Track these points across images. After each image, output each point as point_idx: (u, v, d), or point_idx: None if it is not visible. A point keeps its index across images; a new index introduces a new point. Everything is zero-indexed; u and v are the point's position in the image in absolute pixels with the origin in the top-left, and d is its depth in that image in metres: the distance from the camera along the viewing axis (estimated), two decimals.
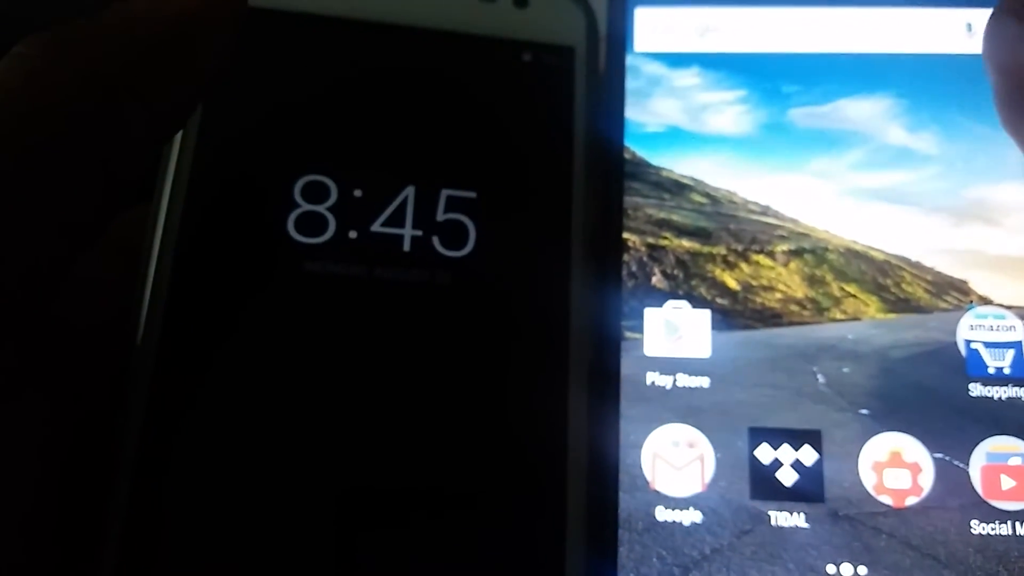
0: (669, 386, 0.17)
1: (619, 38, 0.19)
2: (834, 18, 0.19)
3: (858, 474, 0.16)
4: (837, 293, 0.18)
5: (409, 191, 0.16)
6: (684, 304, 0.17)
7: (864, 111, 0.19)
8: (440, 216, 0.16)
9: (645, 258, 0.18)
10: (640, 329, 0.17)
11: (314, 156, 0.16)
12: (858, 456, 0.16)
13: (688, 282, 0.18)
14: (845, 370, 0.17)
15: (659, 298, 0.17)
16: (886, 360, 0.17)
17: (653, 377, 0.17)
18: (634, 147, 0.19)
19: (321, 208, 0.16)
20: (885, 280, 0.18)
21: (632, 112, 0.18)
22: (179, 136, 0.16)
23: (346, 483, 0.14)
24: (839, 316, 0.18)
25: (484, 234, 0.16)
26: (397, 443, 0.15)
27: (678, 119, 0.19)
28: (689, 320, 0.17)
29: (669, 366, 0.17)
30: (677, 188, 0.19)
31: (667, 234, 0.18)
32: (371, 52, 0.17)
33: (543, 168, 0.17)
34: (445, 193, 0.16)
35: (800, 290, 0.18)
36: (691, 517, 0.15)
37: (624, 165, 0.18)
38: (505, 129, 0.17)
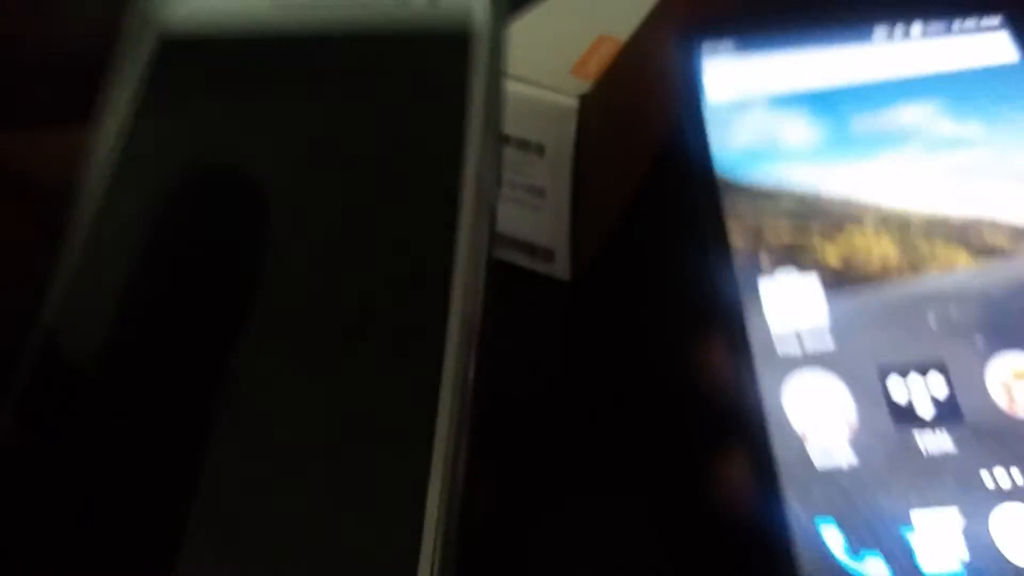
0: (798, 352, 0.18)
1: (695, 87, 0.23)
2: (870, 52, 0.24)
3: (988, 395, 0.17)
4: (926, 251, 0.20)
5: None
6: (795, 277, 0.20)
7: (915, 114, 0.22)
8: None
9: (753, 251, 0.20)
10: (761, 310, 0.19)
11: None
12: (984, 379, 0.17)
13: (795, 260, 0.20)
14: (952, 310, 0.19)
15: (770, 275, 0.20)
16: (986, 296, 0.19)
17: (783, 346, 0.19)
18: (724, 174, 0.22)
19: None
20: (967, 235, 0.20)
21: (717, 144, 0.22)
22: None
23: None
24: (934, 269, 0.20)
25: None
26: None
27: (758, 145, 0.22)
28: (802, 291, 0.19)
29: (795, 336, 0.19)
30: (767, 197, 0.21)
31: (767, 229, 0.21)
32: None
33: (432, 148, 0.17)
34: None
35: (893, 253, 0.20)
36: (846, 458, 0.17)
37: (719, 190, 0.21)
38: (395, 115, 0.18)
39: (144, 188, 0.17)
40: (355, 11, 0.19)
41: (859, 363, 0.18)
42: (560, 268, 0.32)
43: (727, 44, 0.24)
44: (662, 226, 0.32)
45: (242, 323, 0.16)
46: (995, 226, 0.20)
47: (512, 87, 0.29)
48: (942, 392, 0.17)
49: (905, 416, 0.17)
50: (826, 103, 0.23)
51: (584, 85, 0.29)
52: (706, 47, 0.24)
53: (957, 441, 0.17)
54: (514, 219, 0.32)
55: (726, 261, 0.20)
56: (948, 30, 0.24)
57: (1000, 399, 0.17)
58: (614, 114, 0.31)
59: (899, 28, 0.24)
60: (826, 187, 0.21)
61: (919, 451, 0.17)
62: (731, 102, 0.23)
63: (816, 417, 0.18)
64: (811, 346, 0.18)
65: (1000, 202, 0.20)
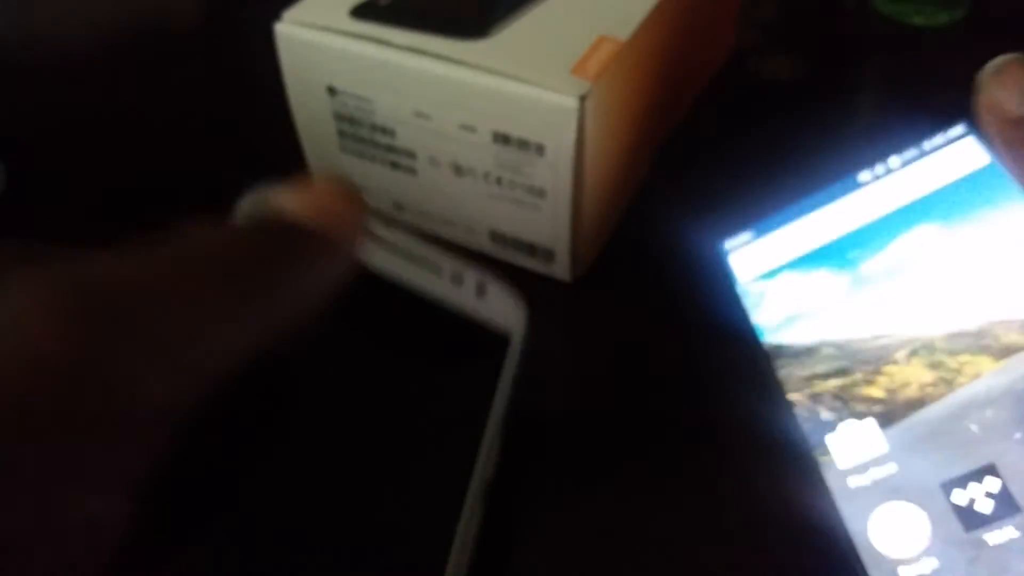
0: (868, 483, 0.22)
1: (727, 276, 0.27)
2: (861, 196, 0.27)
3: None
4: (955, 366, 0.24)
5: None
6: (852, 421, 0.23)
7: (913, 240, 0.26)
8: None
9: (810, 403, 0.24)
10: (828, 452, 0.23)
11: None
12: None
13: (848, 405, 0.24)
14: (988, 414, 0.22)
15: (832, 425, 0.23)
16: (1014, 393, 0.22)
17: (853, 480, 0.22)
18: (769, 338, 0.26)
19: None
20: (985, 341, 0.23)
21: (756, 316, 0.26)
22: None
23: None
24: (965, 380, 0.23)
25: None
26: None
27: (790, 307, 0.26)
28: (861, 431, 0.23)
29: (862, 468, 0.22)
30: (810, 351, 0.26)
31: (817, 382, 0.25)
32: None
33: (458, 421, 0.22)
34: None
35: (928, 376, 0.24)
36: (930, 565, 0.21)
37: (767, 354, 0.25)
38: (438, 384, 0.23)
39: None
40: (421, 271, 0.23)
41: (923, 481, 0.22)
42: (560, 268, 0.32)
43: (745, 235, 0.28)
44: (662, 225, 0.33)
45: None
46: (1007, 325, 0.23)
47: (512, 87, 0.28)
48: (997, 488, 0.21)
49: (971, 518, 0.21)
50: (836, 254, 0.26)
51: (584, 85, 0.28)
52: (728, 243, 0.28)
53: (1019, 527, 0.20)
54: (514, 219, 0.32)
55: (790, 415, 0.24)
56: (922, 152, 0.27)
57: None
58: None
59: (879, 167, 0.28)
60: (855, 329, 0.25)
61: (989, 545, 0.20)
62: (758, 278, 0.27)
63: (896, 534, 0.21)
64: (878, 474, 0.22)
65: (1005, 301, 0.24)
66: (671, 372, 0.29)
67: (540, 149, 0.29)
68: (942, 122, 0.28)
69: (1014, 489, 0.21)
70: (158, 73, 0.44)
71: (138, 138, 0.40)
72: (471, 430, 0.22)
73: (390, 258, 0.23)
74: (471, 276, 0.24)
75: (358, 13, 0.30)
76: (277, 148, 0.35)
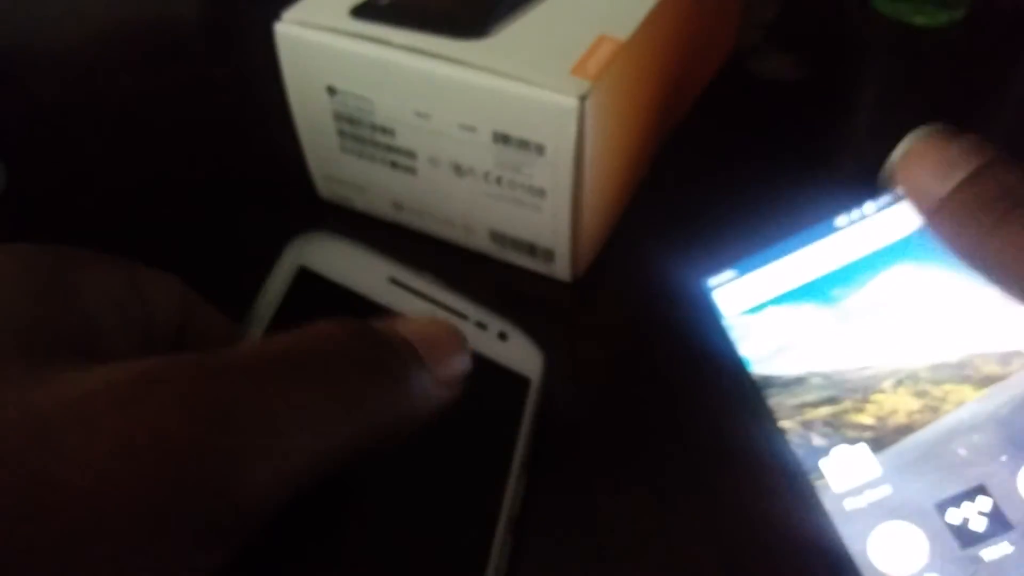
0: (864, 504, 0.22)
1: (712, 312, 0.28)
2: (846, 235, 0.28)
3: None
4: (939, 394, 0.24)
5: None
6: (845, 446, 0.24)
7: (892, 279, 0.27)
8: None
9: (802, 430, 0.25)
10: (823, 476, 0.24)
11: None
12: (1018, 487, 0.22)
13: (839, 431, 0.24)
14: (975, 438, 0.23)
15: (825, 450, 0.24)
16: (997, 419, 0.23)
17: (850, 503, 0.22)
18: (757, 370, 0.26)
19: None
20: (966, 372, 0.25)
21: (743, 349, 0.27)
22: None
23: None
24: (949, 408, 0.24)
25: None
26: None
27: (776, 340, 0.27)
28: (854, 455, 0.24)
29: (857, 491, 0.23)
30: (799, 381, 0.26)
31: (808, 410, 0.25)
32: None
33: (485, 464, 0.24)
34: None
35: (915, 404, 0.24)
36: None
37: (755, 385, 0.26)
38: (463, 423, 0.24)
39: None
40: (448, 317, 0.25)
41: (917, 502, 0.22)
42: (560, 268, 0.32)
43: (728, 273, 0.29)
44: (662, 225, 0.33)
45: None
46: (985, 357, 0.25)
47: (512, 87, 0.28)
48: (989, 507, 0.22)
49: (966, 536, 0.21)
50: (818, 291, 0.27)
51: (584, 85, 0.28)
52: (712, 280, 0.29)
53: (1013, 543, 0.21)
54: (514, 219, 0.32)
55: (783, 442, 0.25)
56: (896, 198, 0.28)
57: None
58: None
59: (855, 212, 0.29)
60: (841, 361, 0.26)
61: (985, 561, 0.21)
62: (744, 313, 0.28)
63: (895, 553, 0.22)
64: (873, 496, 0.22)
65: (982, 335, 0.25)
66: (671, 373, 0.29)
67: (540, 149, 0.29)
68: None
69: (1005, 508, 0.21)
70: (158, 73, 0.44)
71: (138, 138, 0.40)
72: (497, 469, 0.24)
73: (419, 304, 0.25)
74: (494, 323, 0.26)
75: (358, 13, 0.30)
76: (277, 148, 0.35)
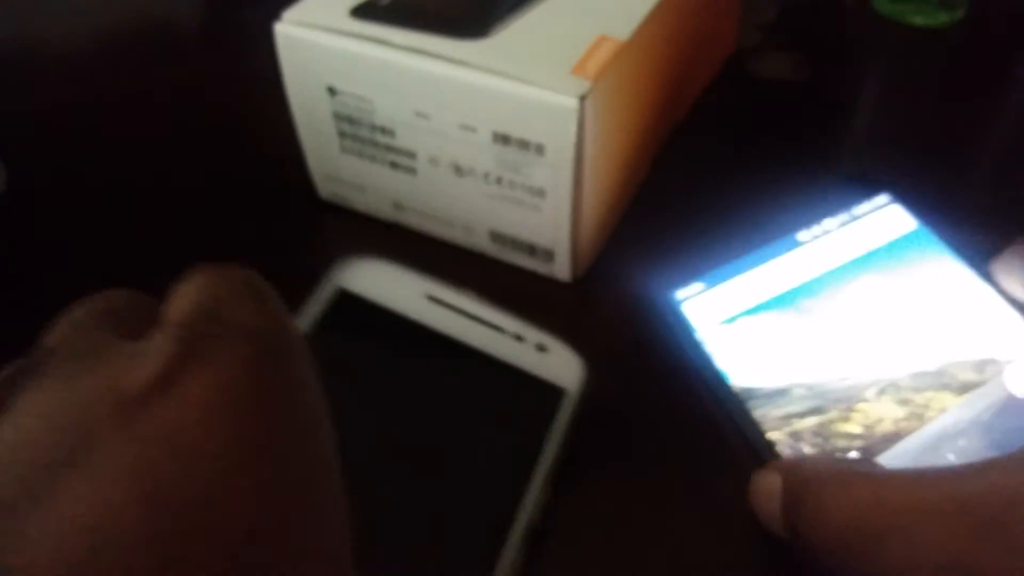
0: None
1: (682, 323, 0.29)
2: (810, 249, 0.30)
3: None
4: (921, 401, 0.25)
5: None
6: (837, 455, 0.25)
7: (858, 290, 0.29)
8: None
9: (791, 440, 0.26)
10: None
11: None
12: None
13: (830, 441, 0.25)
14: (961, 443, 0.24)
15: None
16: (979, 422, 0.24)
17: None
18: (737, 383, 0.27)
19: None
20: (945, 380, 0.26)
21: (719, 359, 0.28)
22: None
23: None
24: (933, 414, 0.25)
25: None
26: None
27: (750, 350, 0.28)
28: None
29: None
30: (781, 392, 0.27)
31: (795, 421, 0.26)
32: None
33: (511, 468, 0.24)
34: None
35: (900, 412, 0.25)
36: None
37: (737, 397, 0.27)
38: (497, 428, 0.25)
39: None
40: (486, 331, 0.26)
41: None
42: (560, 268, 0.32)
43: (697, 286, 0.30)
44: (662, 226, 0.33)
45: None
46: (961, 365, 0.26)
47: (512, 87, 0.28)
48: None
49: None
50: (788, 303, 0.28)
51: (584, 85, 0.28)
52: (680, 293, 0.30)
53: None
54: (514, 219, 0.32)
55: (773, 455, 0.25)
56: (853, 217, 0.31)
57: None
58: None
59: (815, 228, 0.30)
60: (821, 371, 0.27)
61: None
62: (716, 325, 0.29)
63: None
64: None
65: (954, 343, 0.26)
66: (670, 372, 0.29)
67: (540, 149, 0.29)
68: (869, 191, 0.31)
69: None
70: (158, 73, 0.44)
71: (138, 138, 0.40)
72: (519, 477, 0.24)
73: (456, 320, 0.26)
74: (532, 335, 0.27)
75: (358, 13, 0.30)
76: (277, 148, 0.35)
